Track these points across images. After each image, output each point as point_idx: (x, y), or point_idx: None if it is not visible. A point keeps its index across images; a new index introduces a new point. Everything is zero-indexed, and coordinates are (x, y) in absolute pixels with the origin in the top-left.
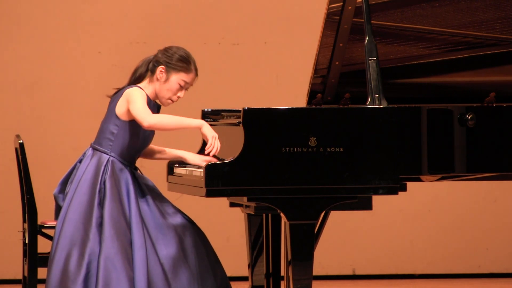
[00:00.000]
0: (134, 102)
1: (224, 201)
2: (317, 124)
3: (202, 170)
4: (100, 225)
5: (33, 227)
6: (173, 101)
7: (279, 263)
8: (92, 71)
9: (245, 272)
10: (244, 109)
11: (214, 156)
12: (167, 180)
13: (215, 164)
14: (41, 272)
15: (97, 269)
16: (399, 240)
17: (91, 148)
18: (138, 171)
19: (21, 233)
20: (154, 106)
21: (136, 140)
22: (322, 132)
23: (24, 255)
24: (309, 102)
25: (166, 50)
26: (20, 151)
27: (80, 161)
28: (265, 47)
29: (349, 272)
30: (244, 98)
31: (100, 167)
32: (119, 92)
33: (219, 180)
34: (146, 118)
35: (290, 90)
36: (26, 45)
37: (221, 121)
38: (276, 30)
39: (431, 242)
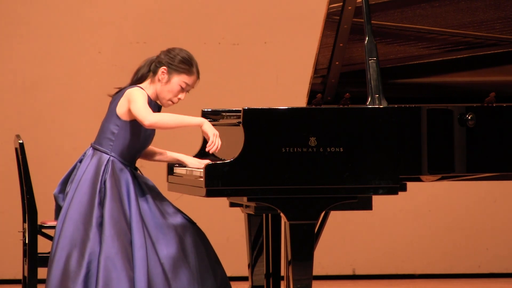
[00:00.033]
0: (135, 101)
1: (224, 201)
2: (317, 124)
3: (202, 170)
4: (101, 225)
5: (33, 227)
6: (173, 103)
7: (279, 263)
8: (92, 71)
9: (245, 272)
10: (244, 109)
11: (213, 156)
12: (167, 180)
13: (215, 164)
14: (41, 272)
15: (97, 269)
16: (399, 240)
17: (91, 148)
18: (138, 171)
19: (21, 233)
20: (155, 106)
21: (137, 140)
22: (322, 132)
23: (24, 255)
24: (309, 102)
25: (168, 51)
26: (20, 151)
27: (80, 161)
28: (265, 47)
29: (349, 272)
30: (244, 98)
31: (101, 167)
32: (120, 92)
33: (219, 180)
34: (147, 117)
35: (290, 90)
36: (26, 45)
37: (221, 121)
38: (276, 30)
39: (431, 242)
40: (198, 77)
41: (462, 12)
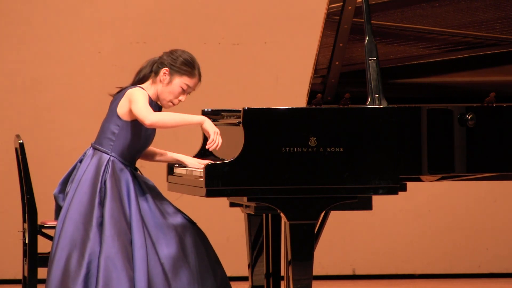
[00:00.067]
0: (136, 101)
1: (224, 201)
2: (317, 124)
3: (202, 170)
4: (101, 224)
5: (33, 227)
6: (174, 104)
7: (279, 263)
8: (92, 71)
9: (245, 272)
10: (244, 109)
11: (214, 156)
12: (167, 180)
13: (215, 164)
14: (41, 272)
15: (97, 269)
16: (399, 240)
17: (91, 148)
18: (138, 172)
19: (21, 233)
20: (156, 106)
21: (138, 140)
22: (322, 132)
23: (24, 255)
24: (309, 102)
25: (171, 52)
26: (20, 151)
27: (80, 161)
28: (265, 47)
29: (349, 272)
30: (244, 98)
31: (101, 167)
32: (121, 92)
33: (219, 180)
34: (148, 116)
35: (290, 90)
36: (26, 45)
37: (221, 121)
38: (276, 30)
39: (431, 242)
40: (199, 80)
41: (462, 12)
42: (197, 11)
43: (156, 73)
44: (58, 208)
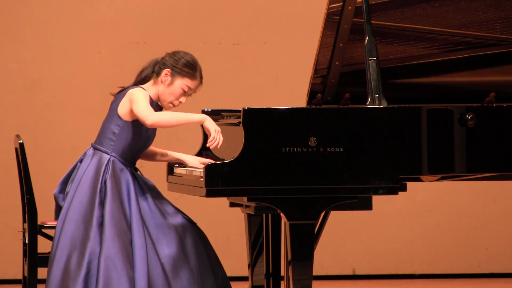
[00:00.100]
0: (137, 101)
1: (224, 201)
2: (317, 124)
3: (202, 170)
4: (101, 224)
5: (33, 227)
6: (174, 106)
7: (279, 263)
8: (92, 71)
9: (245, 272)
10: (244, 109)
11: (213, 156)
12: (167, 180)
13: (215, 164)
14: (41, 272)
15: (97, 269)
16: (399, 240)
17: (92, 148)
18: (138, 172)
19: (21, 233)
20: (157, 107)
21: (138, 140)
22: (322, 132)
23: (24, 255)
24: (309, 102)
25: (174, 53)
26: (20, 151)
27: (80, 161)
28: (265, 47)
29: (349, 272)
30: (244, 98)
31: (101, 167)
32: (122, 92)
33: (219, 180)
34: (149, 116)
35: (290, 90)
36: (26, 45)
37: (221, 121)
38: (276, 30)
39: (431, 242)
40: (201, 82)
41: (462, 12)
42: (197, 11)
43: (158, 74)
44: (58, 208)
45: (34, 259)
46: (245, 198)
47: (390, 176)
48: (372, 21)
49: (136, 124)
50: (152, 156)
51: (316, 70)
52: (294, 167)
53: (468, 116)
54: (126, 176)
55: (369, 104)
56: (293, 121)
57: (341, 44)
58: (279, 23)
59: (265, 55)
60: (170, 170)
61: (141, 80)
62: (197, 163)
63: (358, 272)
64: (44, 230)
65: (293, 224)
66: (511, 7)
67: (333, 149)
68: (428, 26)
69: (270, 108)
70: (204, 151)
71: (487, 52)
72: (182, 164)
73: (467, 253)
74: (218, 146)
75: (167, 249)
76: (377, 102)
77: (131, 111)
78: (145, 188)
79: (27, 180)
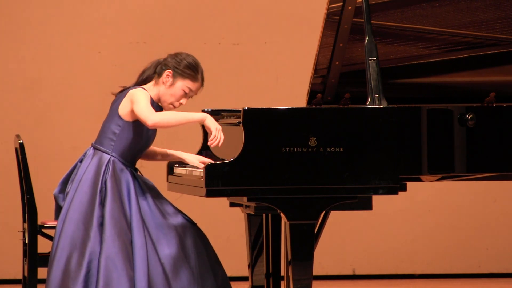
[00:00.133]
0: (138, 102)
1: (224, 201)
2: (317, 124)
3: (202, 170)
4: (101, 224)
5: (33, 227)
6: (174, 107)
7: (279, 263)
8: (92, 71)
9: (245, 272)
10: (244, 109)
11: (213, 156)
12: (167, 180)
13: (215, 164)
14: (41, 272)
15: (97, 269)
16: (399, 240)
17: (92, 148)
18: (138, 172)
19: (21, 233)
20: (157, 108)
21: (139, 140)
22: (322, 132)
23: (24, 255)
24: (309, 102)
25: (176, 55)
26: (20, 151)
27: (80, 161)
28: (265, 47)
29: (349, 272)
30: (244, 98)
31: (101, 167)
32: (123, 92)
33: (219, 180)
34: (150, 116)
35: (290, 90)
36: (26, 45)
37: (221, 121)
38: (276, 30)
39: (431, 242)
40: (202, 85)
41: (462, 12)
42: (197, 11)
43: (159, 75)
44: (58, 208)
45: (34, 259)
46: (245, 198)
47: (390, 176)
48: (372, 21)
49: (137, 125)
50: (152, 156)
51: (316, 70)
52: (294, 167)
53: (468, 116)
54: (126, 176)
55: (369, 104)
56: (293, 121)
57: (341, 44)
58: (279, 23)
59: (265, 55)
60: (170, 170)
61: (142, 81)
62: (197, 162)
63: (358, 272)
64: (44, 230)
65: (293, 224)
66: (511, 7)
67: (333, 149)
68: (428, 26)
69: (270, 108)
70: (204, 151)
71: (487, 52)
72: (182, 164)
73: (467, 253)
74: (219, 145)
75: (167, 249)
76: (377, 102)
77: (132, 111)
78: (145, 188)
79: (27, 180)
